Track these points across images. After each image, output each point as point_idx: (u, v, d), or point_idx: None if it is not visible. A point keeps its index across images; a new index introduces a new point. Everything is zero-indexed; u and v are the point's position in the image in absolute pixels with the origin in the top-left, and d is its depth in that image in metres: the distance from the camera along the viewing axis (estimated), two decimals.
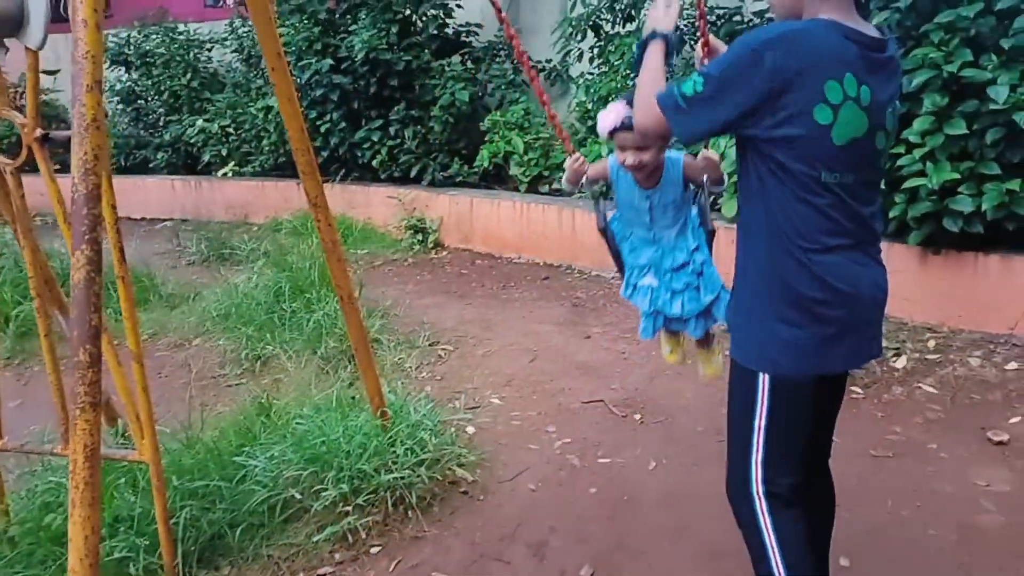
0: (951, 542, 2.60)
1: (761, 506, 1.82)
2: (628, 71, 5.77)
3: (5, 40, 2.11)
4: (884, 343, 3.97)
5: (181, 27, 9.74)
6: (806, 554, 1.82)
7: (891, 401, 3.60)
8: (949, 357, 3.95)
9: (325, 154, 7.74)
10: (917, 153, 3.98)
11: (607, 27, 6.27)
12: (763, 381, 1.78)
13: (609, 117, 2.15)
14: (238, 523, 2.66)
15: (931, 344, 4.08)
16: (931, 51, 3.94)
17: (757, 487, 1.83)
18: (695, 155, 2.21)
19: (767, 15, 5.55)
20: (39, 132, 2.12)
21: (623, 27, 6.29)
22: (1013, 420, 3.35)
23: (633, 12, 6.02)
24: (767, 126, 1.63)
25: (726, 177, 2.24)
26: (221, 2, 10.46)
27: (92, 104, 1.68)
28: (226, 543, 2.62)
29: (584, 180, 2.35)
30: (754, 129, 1.65)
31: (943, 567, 2.48)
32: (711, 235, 2.30)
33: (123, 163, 9.77)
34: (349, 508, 2.73)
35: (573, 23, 6.29)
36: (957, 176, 3.86)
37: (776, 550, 1.80)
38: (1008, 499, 2.82)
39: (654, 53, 1.83)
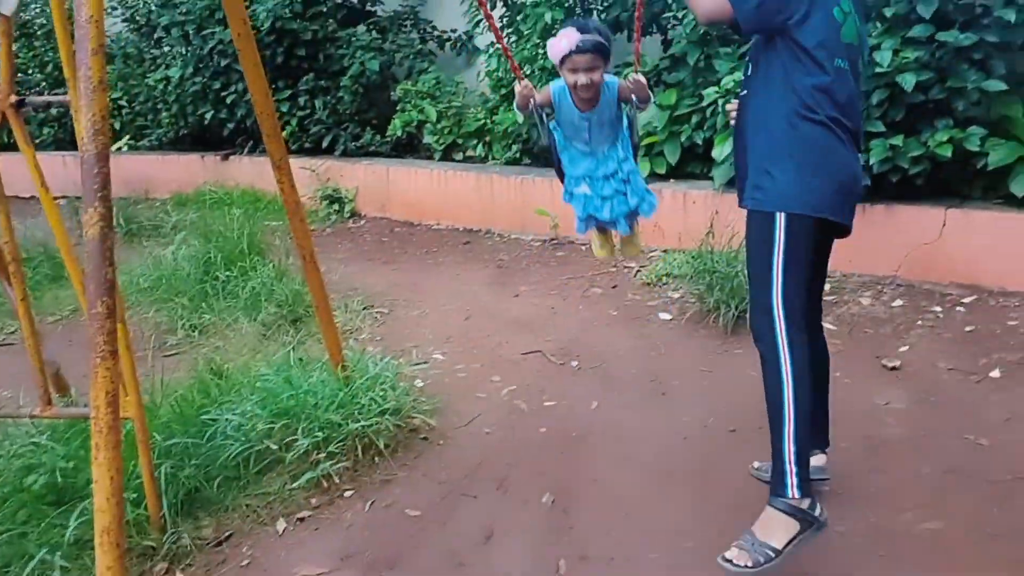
0: (860, 452, 2.98)
1: (781, 326, 2.20)
2: (539, 39, 5.97)
3: None
4: None
5: None
6: (812, 391, 2.23)
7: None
8: (844, 298, 4.39)
9: (231, 126, 7.64)
10: None
11: None
12: (780, 220, 2.21)
13: (562, 43, 2.44)
14: (213, 476, 2.76)
15: (826, 287, 4.51)
16: None
17: (778, 310, 2.21)
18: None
19: None
20: (14, 98, 2.15)
21: None
22: (902, 349, 3.79)
23: None
24: (800, 17, 2.15)
25: (652, 95, 2.68)
26: None
27: (97, 67, 1.75)
28: (204, 496, 2.72)
29: (532, 103, 2.62)
30: (790, 18, 2.16)
31: (857, 473, 2.85)
32: (636, 147, 2.75)
33: (5, 139, 9.26)
34: (321, 456, 2.88)
35: None
36: None
37: (789, 376, 2.17)
38: (904, 414, 3.23)
39: None
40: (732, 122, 2.54)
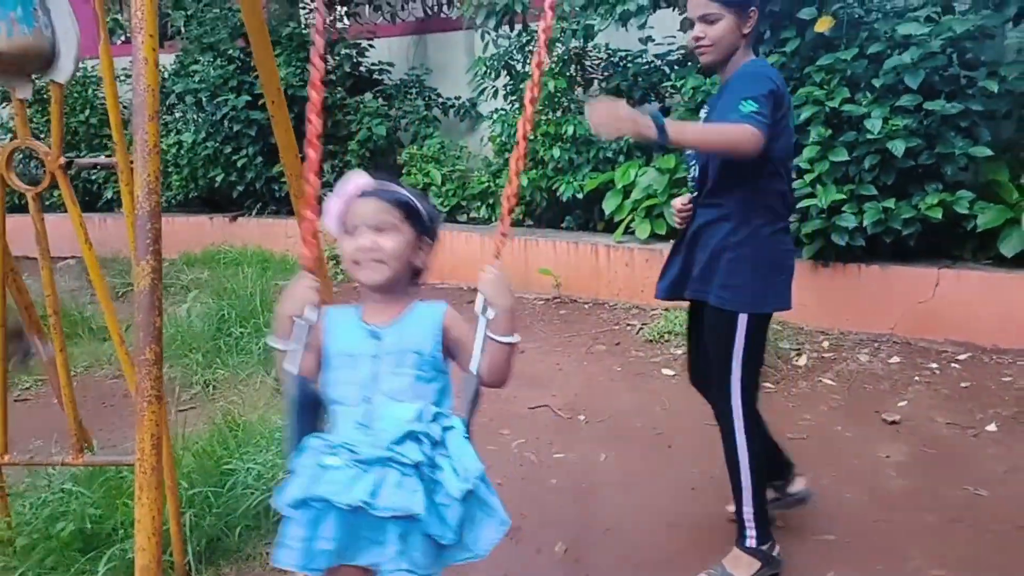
0: (866, 502, 3.06)
1: (737, 405, 2.46)
2: (541, 107, 6.22)
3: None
4: (787, 345, 4.50)
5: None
6: (763, 453, 2.55)
7: (798, 393, 4.11)
8: (842, 355, 4.51)
9: (241, 188, 7.84)
10: (807, 178, 4.57)
11: (518, 67, 6.71)
12: (742, 321, 2.40)
13: (347, 187, 1.71)
14: (234, 526, 2.82)
15: (826, 344, 4.64)
16: (814, 90, 4.55)
17: (736, 396, 2.46)
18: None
19: (667, 58, 6.13)
20: (63, 160, 2.29)
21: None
22: (901, 404, 3.90)
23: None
24: (779, 128, 2.32)
25: (510, 297, 1.68)
26: (120, 40, 10.35)
27: (152, 132, 1.90)
28: (225, 545, 2.77)
29: (300, 313, 1.65)
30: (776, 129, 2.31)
31: (863, 523, 2.92)
32: (472, 405, 1.74)
33: (17, 201, 9.45)
34: None
35: (487, 63, 6.70)
36: (842, 197, 4.46)
37: (744, 448, 2.48)
38: (906, 466, 3.32)
39: (682, 126, 2.38)
40: (679, 221, 2.64)
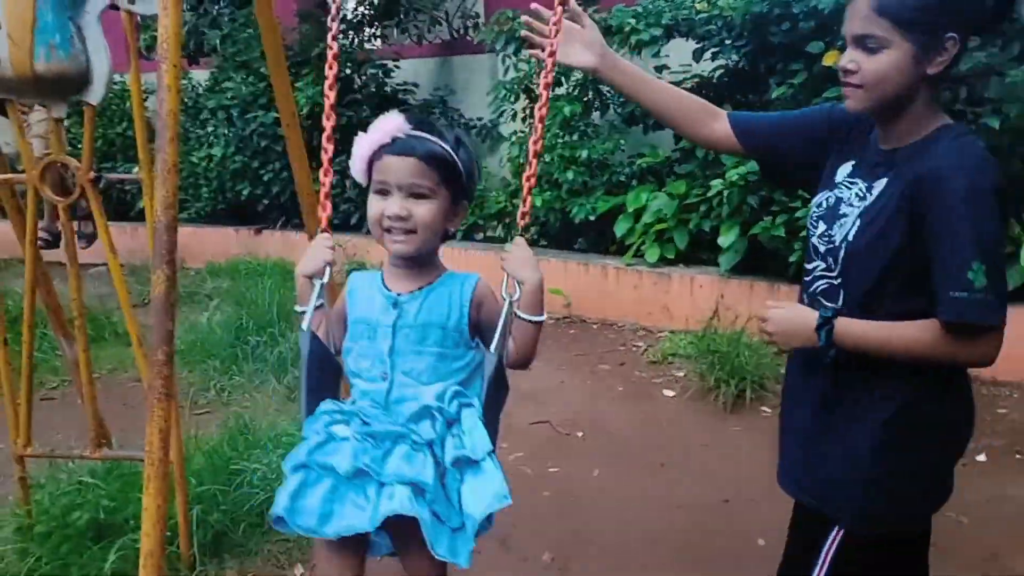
0: None
1: None
2: (558, 130, 6.40)
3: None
4: None
5: (117, 76, 9.91)
6: None
7: None
8: None
9: (266, 202, 8.08)
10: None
11: (537, 90, 6.88)
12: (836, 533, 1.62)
13: (376, 135, 1.56)
14: (239, 522, 2.98)
15: None
16: None
17: None
18: None
19: (682, 87, 6.26)
20: (92, 174, 2.48)
21: (552, 91, 6.92)
22: None
23: (562, 79, 6.67)
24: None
25: (539, 273, 1.64)
26: (153, 55, 10.71)
27: (172, 152, 2.07)
28: (230, 540, 2.93)
29: (324, 272, 1.64)
30: None
31: None
32: (497, 389, 1.64)
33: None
34: None
35: (507, 86, 6.89)
36: None
37: None
38: None
39: (861, 332, 1.52)
40: None
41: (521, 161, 6.86)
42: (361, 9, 8.66)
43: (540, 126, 1.65)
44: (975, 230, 1.39)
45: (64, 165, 2.51)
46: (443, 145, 1.56)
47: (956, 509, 3.20)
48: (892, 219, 1.49)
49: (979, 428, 3.86)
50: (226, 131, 8.19)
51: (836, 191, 1.63)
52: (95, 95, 2.42)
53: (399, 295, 1.60)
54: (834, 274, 1.58)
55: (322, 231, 1.69)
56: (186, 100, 9.38)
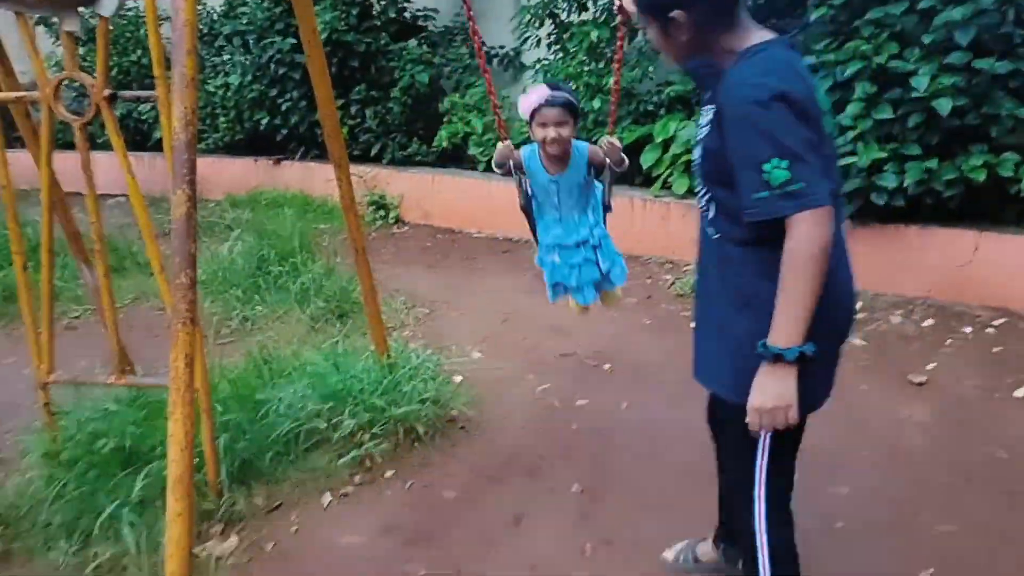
0: (883, 459, 3.08)
1: (761, 519, 1.87)
2: (584, 57, 6.17)
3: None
4: None
5: (130, 3, 9.69)
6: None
7: None
8: (874, 316, 4.48)
9: (285, 132, 7.93)
10: (850, 135, 4.49)
11: (563, 15, 6.64)
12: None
13: (531, 98, 2.52)
14: (265, 451, 2.96)
15: (859, 305, 4.60)
16: (862, 44, 4.45)
17: (760, 514, 1.86)
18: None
19: None
20: (107, 92, 2.38)
21: (578, 15, 6.68)
22: (929, 366, 3.88)
23: (589, 3, 6.42)
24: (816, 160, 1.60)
25: (625, 158, 2.61)
26: None
27: (190, 66, 1.97)
28: (257, 468, 2.92)
29: (511, 163, 2.67)
30: None
31: (877, 478, 2.96)
32: (607, 209, 2.78)
33: (69, 138, 9.70)
34: (365, 437, 3.07)
35: (531, 11, 6.64)
36: (884, 155, 4.39)
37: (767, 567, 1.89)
38: (927, 426, 3.33)
39: (785, 325, 1.61)
40: None
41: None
42: None
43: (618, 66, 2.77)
44: (763, 134, 1.55)
45: (79, 83, 2.40)
46: (569, 97, 2.55)
47: (995, 442, 3.13)
48: (713, 138, 1.72)
49: (1016, 362, 3.82)
50: (243, 58, 8.00)
51: (698, 123, 1.87)
52: (108, 6, 2.30)
53: (553, 176, 2.67)
54: (703, 191, 1.84)
55: (502, 141, 2.68)
56: (201, 27, 9.16)
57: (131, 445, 2.72)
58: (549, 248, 2.80)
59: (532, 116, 2.55)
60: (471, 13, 2.73)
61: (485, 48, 7.90)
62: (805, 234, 1.55)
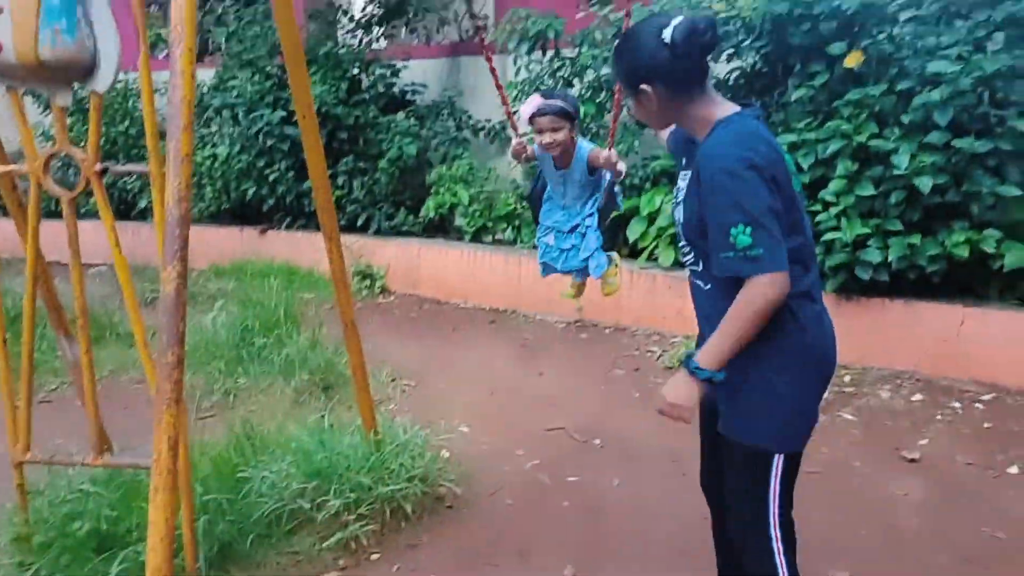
0: (879, 540, 3.02)
1: (779, 554, 2.01)
2: None
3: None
4: None
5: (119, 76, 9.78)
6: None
7: (816, 427, 4.06)
8: (863, 390, 4.47)
9: (271, 202, 7.95)
10: (832, 211, 4.56)
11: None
12: (778, 463, 1.95)
13: (529, 106, 2.89)
14: (247, 532, 2.85)
15: (847, 379, 4.60)
16: (842, 123, 4.56)
17: (778, 546, 2.00)
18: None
19: None
20: (99, 166, 2.36)
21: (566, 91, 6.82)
22: (921, 442, 3.85)
23: (574, 80, 6.56)
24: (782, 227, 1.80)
25: (624, 169, 2.92)
26: (162, 55, 10.60)
27: (186, 141, 1.96)
28: (237, 551, 2.81)
29: (524, 156, 3.06)
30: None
31: (875, 560, 2.89)
32: (609, 211, 3.05)
33: (53, 207, 9.66)
34: (351, 518, 2.97)
35: (518, 87, 6.77)
36: (867, 231, 4.44)
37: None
38: (923, 505, 3.28)
39: (712, 352, 1.84)
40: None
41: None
42: (370, 8, 8.55)
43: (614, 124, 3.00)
44: (733, 200, 1.76)
45: (69, 157, 2.38)
46: (563, 105, 2.84)
47: (993, 523, 3.08)
48: (692, 199, 1.92)
49: (1008, 439, 3.80)
50: (231, 130, 8.07)
51: (677, 184, 2.07)
52: (102, 82, 2.30)
53: (561, 171, 2.99)
54: (687, 248, 2.03)
55: (517, 139, 3.06)
56: None
57: (106, 528, 2.62)
58: (546, 230, 3.17)
59: (530, 122, 2.92)
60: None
61: (472, 121, 8.04)
62: (758, 293, 1.77)
